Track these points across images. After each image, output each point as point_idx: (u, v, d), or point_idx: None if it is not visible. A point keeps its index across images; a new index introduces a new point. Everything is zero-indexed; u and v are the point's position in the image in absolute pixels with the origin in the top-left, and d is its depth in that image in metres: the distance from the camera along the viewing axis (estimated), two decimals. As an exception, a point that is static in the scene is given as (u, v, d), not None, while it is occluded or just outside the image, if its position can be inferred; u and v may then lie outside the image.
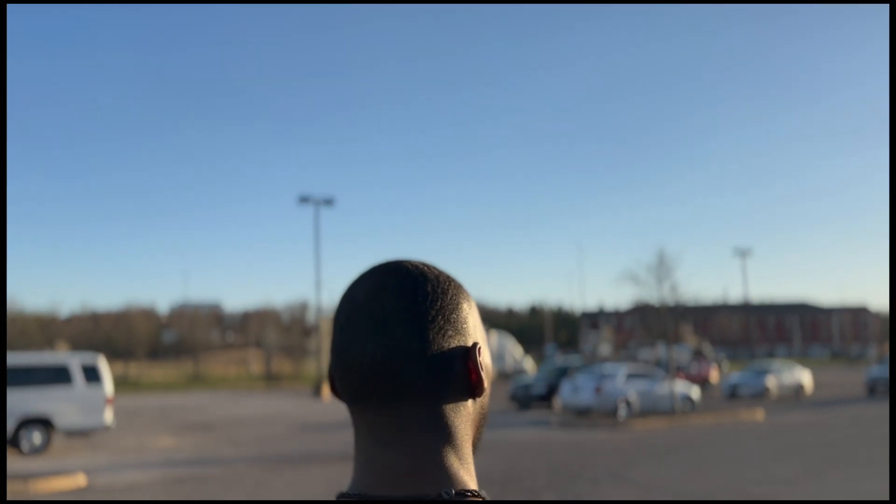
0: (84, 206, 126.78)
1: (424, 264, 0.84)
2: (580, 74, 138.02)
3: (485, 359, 0.82)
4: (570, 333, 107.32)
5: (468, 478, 0.78)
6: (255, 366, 77.11)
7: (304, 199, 40.00)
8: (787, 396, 30.07)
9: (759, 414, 21.59)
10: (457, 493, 0.75)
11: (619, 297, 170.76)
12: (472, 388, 0.80)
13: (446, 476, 0.76)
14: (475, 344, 0.81)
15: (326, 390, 37.60)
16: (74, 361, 16.37)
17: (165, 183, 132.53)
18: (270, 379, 60.06)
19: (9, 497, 10.68)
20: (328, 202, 40.47)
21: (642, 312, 31.45)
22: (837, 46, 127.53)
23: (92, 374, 16.36)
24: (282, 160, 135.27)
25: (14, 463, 14.02)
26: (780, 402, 27.98)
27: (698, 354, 48.40)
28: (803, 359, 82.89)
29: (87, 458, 14.85)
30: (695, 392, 23.56)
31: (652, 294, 23.90)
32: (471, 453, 0.82)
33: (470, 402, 0.81)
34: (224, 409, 29.32)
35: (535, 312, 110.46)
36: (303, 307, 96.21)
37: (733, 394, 30.15)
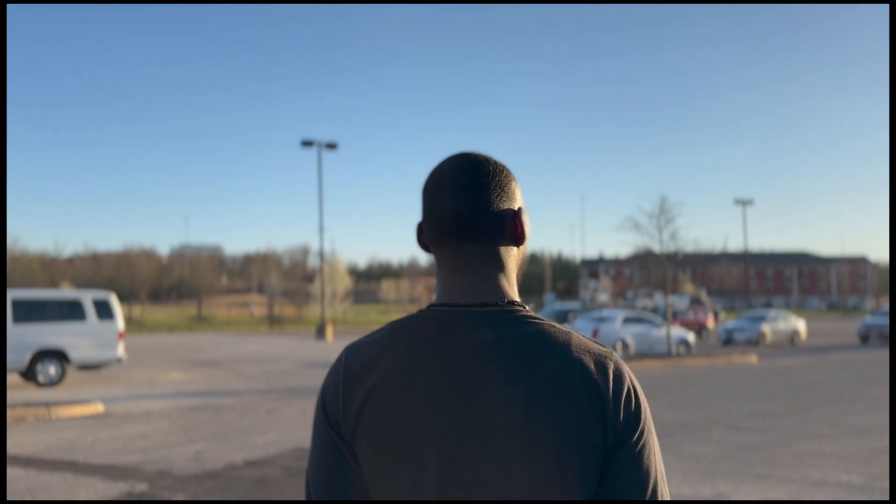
0: (86, 149, 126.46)
1: (485, 155, 1.25)
2: (588, 26, 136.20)
3: (525, 219, 1.23)
4: (570, 282, 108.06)
5: (514, 296, 1.20)
6: (258, 309, 77.98)
7: (306, 143, 40.03)
8: (781, 343, 30.69)
9: (752, 358, 22.15)
10: (507, 302, 1.15)
11: (619, 246, 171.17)
12: (517, 236, 1.21)
13: (501, 291, 1.17)
14: (520, 208, 1.22)
15: (330, 332, 38.19)
16: (87, 297, 16.83)
17: (166, 123, 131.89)
18: (273, 322, 60.85)
19: (34, 420, 11.22)
20: (331, 146, 40.52)
21: (642, 260, 31.79)
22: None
23: (104, 310, 16.84)
24: (285, 103, 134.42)
25: (32, 393, 14.58)
26: (774, 347, 28.60)
27: (696, 302, 48.94)
28: (800, 310, 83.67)
29: (102, 389, 15.40)
30: (691, 336, 24.12)
31: (652, 242, 24.24)
32: (515, 283, 1.22)
33: (515, 248, 1.21)
34: (229, 349, 29.96)
35: (534, 260, 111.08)
36: (304, 251, 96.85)
37: (729, 339, 30.77)
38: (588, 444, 1.04)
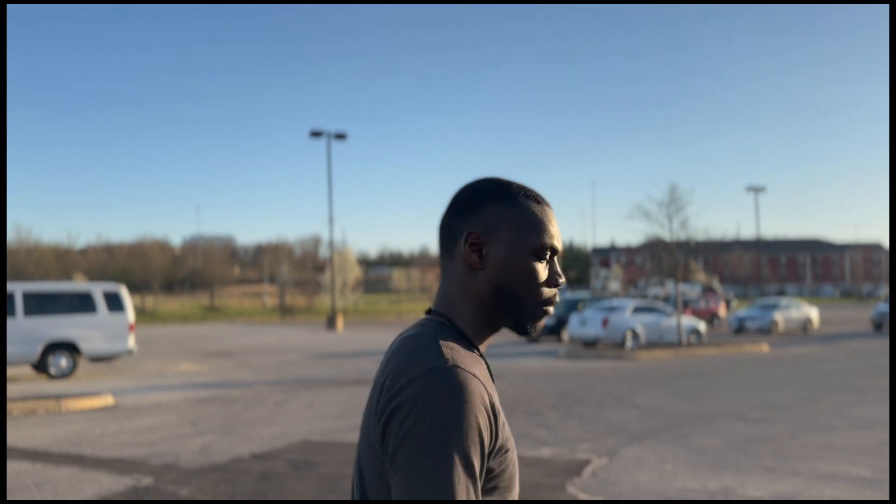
0: (99, 141, 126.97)
1: (491, 179, 1.25)
2: (602, 16, 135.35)
3: (497, 250, 1.19)
4: (581, 270, 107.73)
5: (445, 309, 1.22)
6: (269, 299, 78.21)
7: (315, 134, 40.02)
8: (793, 331, 30.50)
9: (764, 347, 22.03)
10: (433, 312, 1.22)
11: (630, 234, 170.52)
12: (466, 259, 1.21)
13: (436, 303, 1.25)
14: (473, 232, 1.19)
15: (340, 322, 38.29)
16: (98, 289, 16.91)
17: (178, 115, 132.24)
18: (285, 312, 61.00)
19: (43, 413, 11.28)
20: (340, 136, 40.50)
21: (653, 248, 31.61)
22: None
23: (114, 302, 16.92)
24: (295, 94, 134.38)
25: (44, 386, 14.67)
26: (786, 336, 28.44)
27: (708, 290, 48.68)
28: (813, 298, 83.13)
29: (113, 381, 15.49)
30: (702, 326, 23.97)
31: (663, 230, 24.07)
32: (462, 303, 1.21)
33: (468, 271, 1.21)
34: (241, 339, 30.08)
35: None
36: (315, 242, 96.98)
37: (740, 328, 30.61)
38: (374, 455, 1.09)
